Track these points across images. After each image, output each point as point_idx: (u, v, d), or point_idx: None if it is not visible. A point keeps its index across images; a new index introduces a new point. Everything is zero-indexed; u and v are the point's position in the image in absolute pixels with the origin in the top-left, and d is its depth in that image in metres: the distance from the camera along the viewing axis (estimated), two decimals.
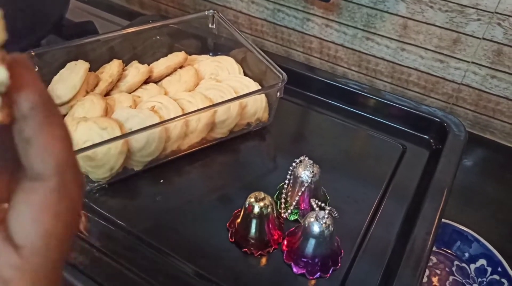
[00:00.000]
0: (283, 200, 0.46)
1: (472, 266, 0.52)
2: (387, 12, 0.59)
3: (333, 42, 0.67)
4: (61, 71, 0.54)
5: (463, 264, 0.52)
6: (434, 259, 0.53)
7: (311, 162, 0.44)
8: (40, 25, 0.62)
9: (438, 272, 0.52)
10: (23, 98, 0.16)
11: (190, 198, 0.48)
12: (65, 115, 0.52)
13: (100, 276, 0.40)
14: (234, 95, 0.52)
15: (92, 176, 0.46)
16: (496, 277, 0.49)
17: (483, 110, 0.61)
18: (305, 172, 0.44)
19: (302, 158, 0.45)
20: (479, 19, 0.53)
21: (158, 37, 0.63)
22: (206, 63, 0.60)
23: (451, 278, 0.51)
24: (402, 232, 0.45)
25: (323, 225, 0.39)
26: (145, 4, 0.84)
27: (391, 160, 0.53)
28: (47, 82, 0.53)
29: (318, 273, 0.41)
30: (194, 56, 0.63)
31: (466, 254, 0.52)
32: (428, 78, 0.62)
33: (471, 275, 0.51)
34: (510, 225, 0.54)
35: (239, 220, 0.43)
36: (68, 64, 0.54)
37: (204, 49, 0.65)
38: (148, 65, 0.58)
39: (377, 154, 0.54)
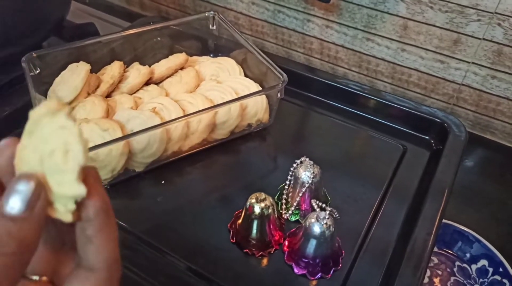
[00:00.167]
0: (284, 201, 0.46)
1: (474, 267, 0.52)
2: (387, 13, 0.59)
3: (333, 43, 0.67)
4: (62, 73, 0.54)
5: (465, 265, 0.52)
6: (435, 259, 0.53)
7: (312, 162, 0.44)
8: (41, 27, 0.62)
9: (440, 272, 0.52)
10: (90, 205, 0.20)
11: (191, 199, 0.48)
12: None
13: None
14: (235, 96, 0.52)
15: None
16: (498, 277, 0.49)
17: (483, 111, 0.61)
18: (306, 172, 0.44)
19: (302, 158, 0.45)
20: (479, 20, 0.54)
21: (158, 39, 0.64)
22: (206, 64, 0.60)
23: (452, 278, 0.51)
24: (403, 232, 0.45)
25: (324, 225, 0.39)
26: (145, 5, 0.84)
27: (391, 160, 0.53)
28: (49, 83, 0.54)
29: (319, 274, 0.41)
30: (194, 57, 0.63)
31: (467, 255, 0.52)
32: (428, 78, 0.62)
33: (472, 275, 0.51)
34: (511, 225, 0.54)
35: (240, 221, 0.43)
36: (70, 66, 0.55)
37: (204, 51, 0.65)
38: (149, 66, 0.59)
39: (378, 155, 0.54)
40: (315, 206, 0.41)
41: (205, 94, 0.53)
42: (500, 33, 0.53)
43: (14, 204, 0.18)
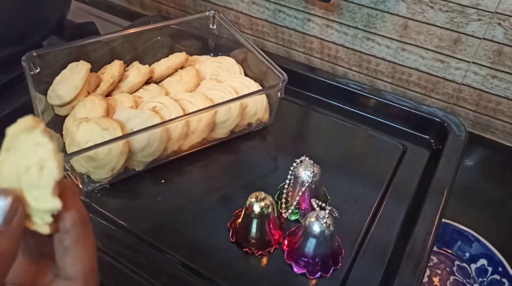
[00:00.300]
0: (283, 200, 0.46)
1: (473, 266, 0.52)
2: (387, 12, 0.59)
3: (333, 43, 0.67)
4: (62, 72, 0.54)
5: (464, 264, 0.52)
6: (434, 259, 0.53)
7: (312, 162, 0.44)
8: (41, 26, 0.62)
9: (439, 272, 0.52)
10: (67, 217, 0.21)
11: (191, 198, 0.48)
12: (66, 116, 0.52)
13: (101, 275, 0.40)
14: (235, 96, 0.52)
15: (93, 176, 0.46)
16: (497, 277, 0.49)
17: (483, 110, 0.61)
18: (306, 172, 0.44)
19: (302, 158, 0.45)
20: (479, 19, 0.54)
21: (159, 38, 0.64)
22: (207, 63, 0.60)
23: (452, 278, 0.51)
24: (403, 232, 0.45)
25: (324, 225, 0.39)
26: (146, 5, 0.84)
27: (391, 160, 0.54)
28: (49, 83, 0.54)
29: (319, 273, 0.41)
30: (195, 57, 0.63)
31: (467, 254, 0.52)
32: (428, 78, 0.62)
33: (471, 275, 0.51)
34: (511, 225, 0.54)
35: (239, 220, 0.43)
36: (70, 65, 0.55)
37: (205, 50, 0.66)
38: (149, 65, 0.59)
39: (378, 154, 0.54)
40: (315, 205, 0.41)
41: (205, 93, 0.53)
42: (500, 33, 0.53)
43: None
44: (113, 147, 0.45)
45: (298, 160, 0.45)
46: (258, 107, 0.53)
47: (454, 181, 0.49)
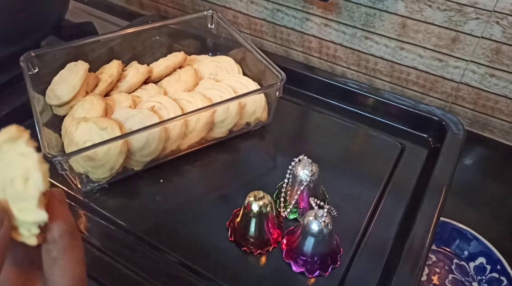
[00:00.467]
0: (282, 199, 0.46)
1: (472, 264, 0.52)
2: (385, 11, 0.59)
3: (332, 42, 0.67)
4: (61, 72, 0.54)
5: (463, 262, 0.52)
6: (433, 257, 0.53)
7: (310, 161, 0.44)
8: (39, 26, 0.62)
9: (438, 270, 0.52)
10: (55, 227, 0.21)
11: (189, 198, 0.48)
12: (65, 116, 0.52)
13: (100, 275, 0.40)
14: (233, 95, 0.52)
15: (92, 176, 0.47)
16: (495, 275, 0.49)
17: (482, 109, 0.61)
18: (304, 171, 0.44)
19: (301, 157, 0.45)
20: (477, 18, 0.54)
21: (157, 38, 0.64)
22: (205, 63, 0.60)
23: (450, 276, 0.51)
24: (401, 230, 0.45)
25: (322, 223, 0.39)
26: (144, 4, 0.84)
27: (390, 158, 0.54)
28: (47, 83, 0.54)
29: (318, 272, 0.41)
30: (193, 56, 0.63)
31: (465, 252, 0.52)
32: (427, 77, 0.62)
33: (470, 273, 0.51)
34: (509, 223, 0.54)
35: (238, 219, 0.43)
36: (68, 65, 0.55)
37: (203, 49, 0.65)
38: (148, 65, 0.59)
39: (376, 153, 0.54)
40: (313, 204, 0.41)
41: (204, 93, 0.53)
42: (498, 31, 0.53)
43: None
44: (112, 146, 0.45)
45: (296, 159, 0.45)
46: (256, 107, 0.54)
47: (452, 179, 0.49)
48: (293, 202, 0.45)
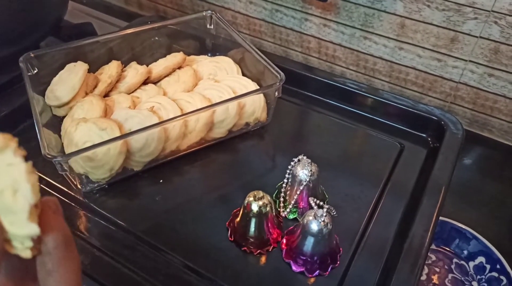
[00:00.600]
0: (281, 199, 0.46)
1: (471, 264, 0.52)
2: (384, 11, 0.59)
3: (331, 42, 0.67)
4: (60, 73, 0.54)
5: (462, 262, 0.52)
6: (433, 257, 0.53)
7: (309, 161, 0.45)
8: (39, 27, 0.62)
9: (437, 270, 0.52)
10: (49, 239, 0.20)
11: (189, 198, 0.48)
12: (64, 117, 0.52)
13: (100, 275, 0.40)
14: (233, 95, 0.53)
15: (92, 176, 0.47)
16: (495, 274, 0.49)
17: (480, 108, 0.61)
18: (304, 171, 0.44)
19: (300, 157, 0.45)
20: (476, 18, 0.54)
21: (156, 38, 0.64)
22: (204, 63, 0.60)
23: (450, 275, 0.51)
24: (400, 229, 0.46)
25: (322, 223, 0.39)
26: (143, 5, 0.84)
27: (389, 158, 0.54)
28: (47, 83, 0.54)
29: (317, 271, 0.41)
30: (192, 57, 0.63)
31: (465, 252, 0.52)
32: (426, 77, 0.62)
33: (470, 272, 0.51)
34: (509, 222, 0.54)
35: (238, 219, 0.43)
36: (67, 66, 0.55)
37: (202, 50, 0.66)
38: (147, 66, 0.59)
39: (375, 153, 0.55)
40: (313, 204, 0.41)
41: (203, 93, 0.53)
42: (496, 31, 0.54)
43: None
44: (111, 147, 0.45)
45: (296, 159, 0.45)
46: (255, 107, 0.54)
47: (451, 179, 0.49)
48: (292, 202, 0.45)
